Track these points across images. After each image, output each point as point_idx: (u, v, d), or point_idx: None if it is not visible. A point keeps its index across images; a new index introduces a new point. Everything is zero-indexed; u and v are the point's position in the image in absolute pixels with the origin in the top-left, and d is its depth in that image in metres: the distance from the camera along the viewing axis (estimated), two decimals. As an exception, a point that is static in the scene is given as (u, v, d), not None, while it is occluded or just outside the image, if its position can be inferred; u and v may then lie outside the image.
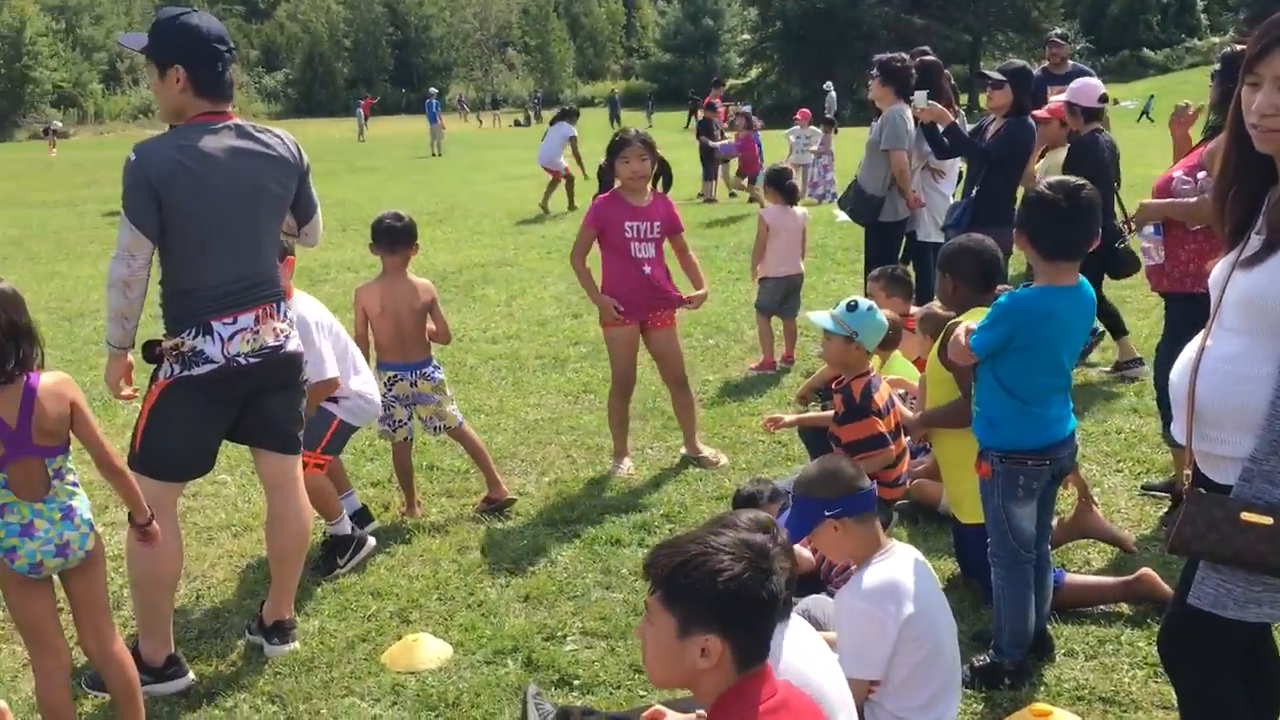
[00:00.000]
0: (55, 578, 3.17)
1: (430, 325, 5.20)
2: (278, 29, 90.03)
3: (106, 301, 3.60)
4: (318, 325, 4.46)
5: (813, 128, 18.97)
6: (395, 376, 5.13)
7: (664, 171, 5.69)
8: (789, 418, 5.21)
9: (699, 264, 5.93)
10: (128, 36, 3.77)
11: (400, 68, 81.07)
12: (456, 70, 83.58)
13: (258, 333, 3.68)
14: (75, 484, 3.14)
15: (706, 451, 5.80)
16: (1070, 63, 9.55)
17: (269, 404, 3.82)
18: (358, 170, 27.45)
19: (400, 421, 5.19)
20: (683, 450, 5.89)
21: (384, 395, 5.12)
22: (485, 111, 62.31)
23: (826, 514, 3.11)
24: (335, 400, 4.64)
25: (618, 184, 5.61)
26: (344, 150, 37.28)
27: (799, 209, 7.82)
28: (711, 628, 2.06)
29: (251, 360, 3.67)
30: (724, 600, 2.05)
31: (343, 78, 78.52)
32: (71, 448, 3.13)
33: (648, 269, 5.59)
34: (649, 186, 5.66)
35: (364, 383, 4.80)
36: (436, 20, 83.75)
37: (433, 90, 43.68)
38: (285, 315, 3.83)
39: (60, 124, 47.62)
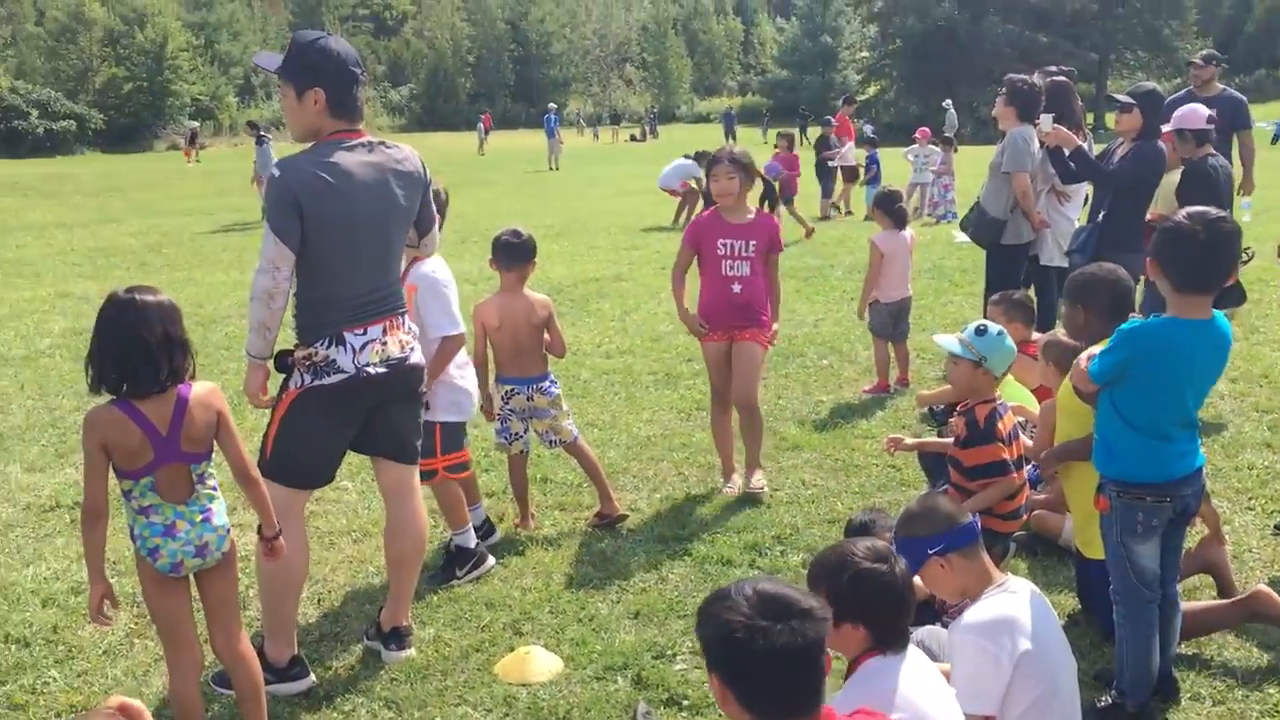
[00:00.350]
0: (190, 577, 3.30)
1: (546, 338, 5.28)
2: (404, 45, 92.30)
3: (250, 312, 3.73)
4: (446, 284, 4.58)
5: (932, 146, 18.71)
6: (512, 390, 5.22)
7: (767, 192, 5.67)
8: (909, 440, 5.13)
9: (779, 292, 5.79)
10: (263, 57, 3.91)
11: (520, 83, 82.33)
12: (575, 86, 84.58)
13: (385, 344, 3.80)
14: (215, 488, 3.28)
15: (757, 480, 5.67)
16: (1220, 85, 9.06)
17: (390, 414, 3.92)
18: (476, 183, 27.96)
19: (517, 435, 5.28)
20: (803, 474, 5.86)
21: (501, 409, 5.22)
22: (602, 126, 62.88)
23: (930, 551, 3.09)
24: (426, 405, 4.69)
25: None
26: (464, 163, 38.03)
27: (907, 232, 7.72)
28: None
29: (379, 371, 3.77)
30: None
31: (465, 92, 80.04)
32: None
33: (737, 287, 5.58)
34: (754, 204, 5.66)
35: (460, 375, 4.80)
36: (557, 37, 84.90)
37: (551, 105, 44.28)
38: (409, 327, 3.94)
39: (199, 130, 49.56)
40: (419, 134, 68.88)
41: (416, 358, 3.95)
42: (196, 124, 32.64)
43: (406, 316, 3.96)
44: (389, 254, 3.86)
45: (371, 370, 3.75)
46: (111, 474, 3.15)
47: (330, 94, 3.74)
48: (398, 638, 4.09)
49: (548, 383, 5.26)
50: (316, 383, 3.72)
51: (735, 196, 5.56)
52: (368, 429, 3.93)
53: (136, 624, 4.30)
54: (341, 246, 3.70)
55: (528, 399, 5.22)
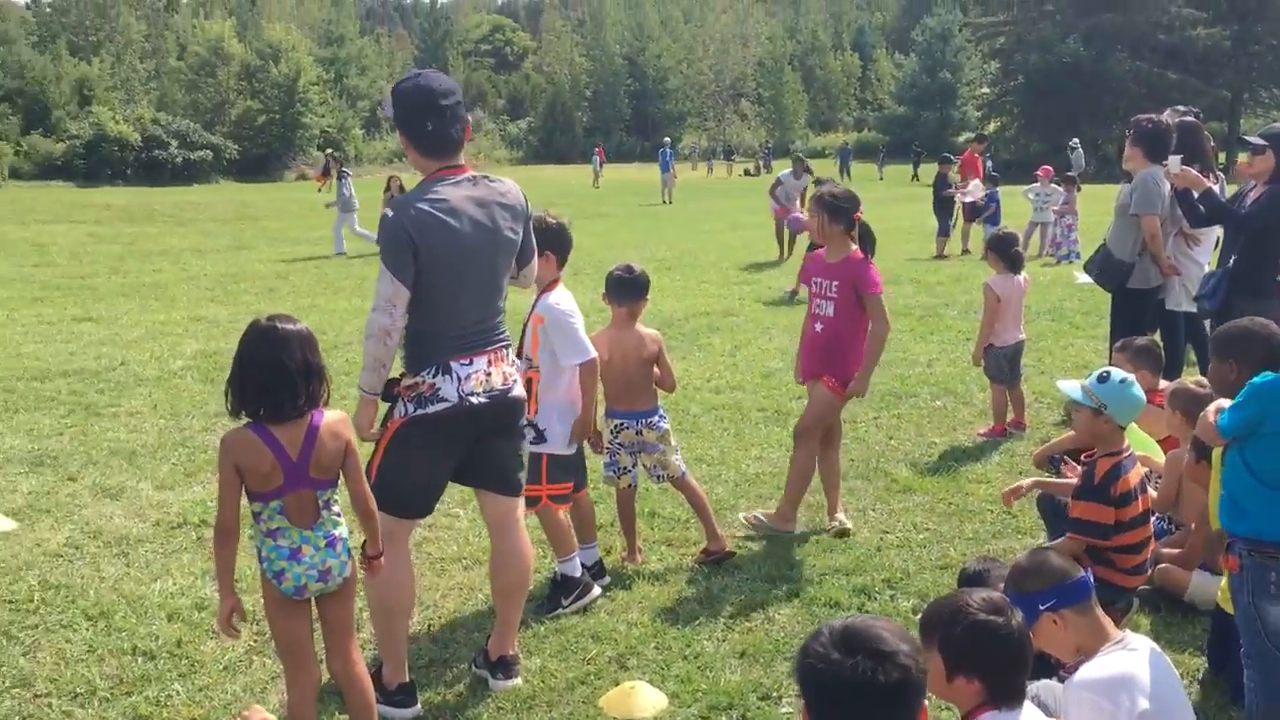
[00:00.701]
0: (311, 599, 3.39)
1: (656, 373, 5.30)
2: (524, 79, 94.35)
3: (365, 349, 3.81)
4: (571, 313, 4.64)
5: (1054, 185, 18.30)
6: (621, 424, 5.25)
7: (864, 234, 5.58)
8: (1026, 482, 4.99)
9: (877, 345, 5.52)
10: (386, 102, 4.05)
11: (636, 117, 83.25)
12: (690, 120, 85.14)
13: (489, 375, 3.87)
14: (339, 515, 3.37)
15: (841, 519, 5.66)
16: None
17: (492, 446, 3.99)
18: (590, 216, 28.29)
19: (625, 468, 5.31)
20: (914, 518, 5.78)
21: (610, 442, 5.26)
22: (717, 160, 63.14)
23: (1042, 607, 3.02)
24: (544, 438, 4.77)
25: None
26: (579, 196, 38.54)
27: (1021, 275, 7.56)
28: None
29: (481, 401, 3.84)
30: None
31: (581, 126, 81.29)
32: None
33: (819, 326, 5.57)
34: (847, 244, 5.56)
35: (574, 408, 4.82)
36: (674, 72, 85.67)
37: (666, 139, 44.71)
38: (513, 360, 4.01)
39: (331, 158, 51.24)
40: (535, 166, 70.11)
41: (518, 391, 4.01)
42: (330, 151, 34.07)
43: (511, 350, 4.03)
44: (495, 286, 3.95)
45: (474, 400, 3.82)
46: (243, 495, 3.26)
47: (423, 134, 3.86)
48: (504, 667, 4.13)
49: (657, 417, 5.28)
50: (420, 411, 3.80)
51: (821, 234, 5.60)
52: (470, 461, 4.00)
53: (256, 641, 4.43)
54: (451, 280, 3.79)
55: (637, 433, 5.25)
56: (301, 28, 77.10)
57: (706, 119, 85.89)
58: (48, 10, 77.89)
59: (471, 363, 3.84)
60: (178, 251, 20.87)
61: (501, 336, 3.97)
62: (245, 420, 3.25)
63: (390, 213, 3.80)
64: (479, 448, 3.97)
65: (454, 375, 3.80)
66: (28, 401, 8.56)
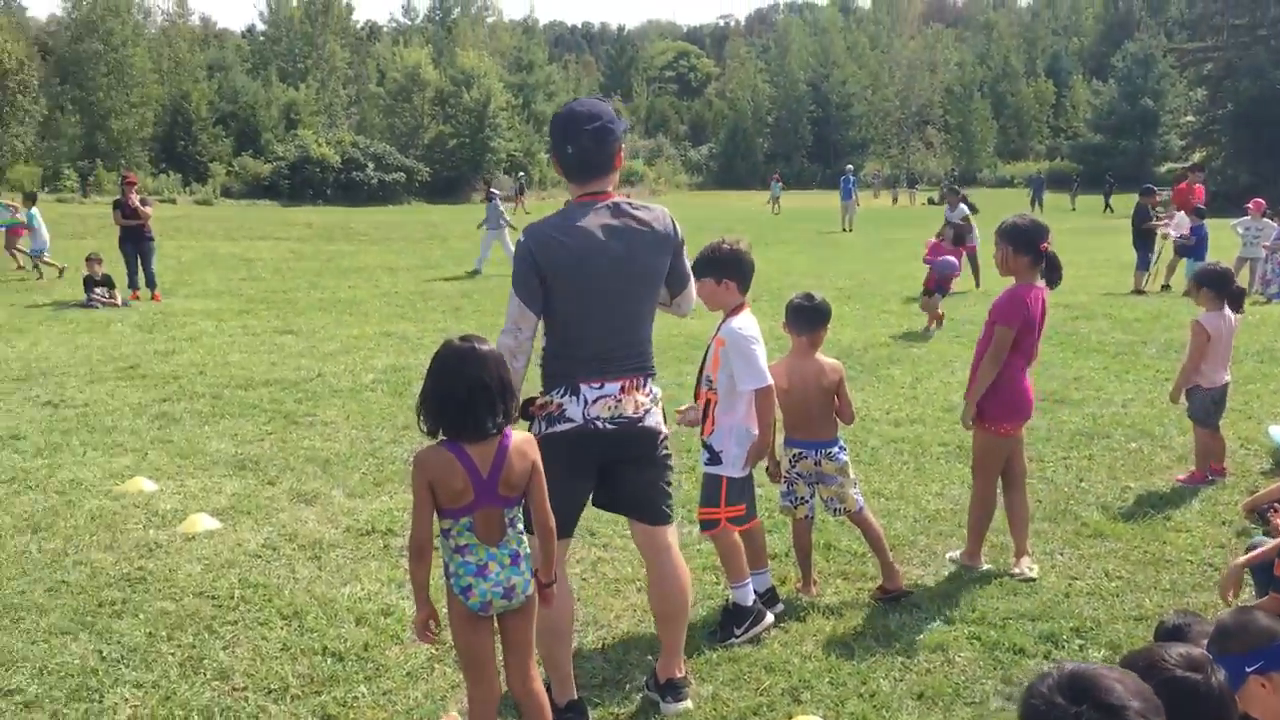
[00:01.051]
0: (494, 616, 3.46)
1: (836, 403, 5.23)
2: (706, 105, 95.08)
3: None
4: (753, 339, 4.61)
5: (1266, 220, 17.27)
6: (800, 454, 5.19)
7: (1050, 264, 5.35)
8: (1241, 560, 4.60)
9: (981, 373, 5.32)
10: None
11: (817, 143, 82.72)
12: (873, 147, 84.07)
13: (620, 401, 3.89)
14: (523, 533, 3.44)
15: (1024, 567, 5.41)
16: None
17: (629, 476, 4.01)
18: (769, 243, 28.22)
19: (802, 499, 5.24)
20: (1106, 564, 5.52)
21: (787, 471, 5.21)
22: (900, 189, 62.09)
23: (1248, 670, 2.82)
24: (719, 459, 4.76)
25: None
26: (758, 222, 38.50)
27: (1232, 313, 7.12)
28: None
29: (608, 426, 3.87)
30: None
31: (762, 152, 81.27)
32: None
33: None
34: (1034, 277, 5.37)
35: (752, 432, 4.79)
36: (858, 99, 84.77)
37: (849, 166, 44.16)
38: (650, 390, 4.00)
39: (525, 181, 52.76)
40: (716, 191, 70.48)
41: (651, 421, 3.99)
42: (523, 175, 35.84)
43: (651, 380, 4.03)
44: (631, 314, 3.95)
45: (599, 424, 3.85)
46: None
47: (565, 157, 3.93)
48: (674, 690, 4.13)
49: (837, 448, 5.20)
50: (549, 430, 3.86)
51: (1005, 267, 5.40)
52: (607, 487, 4.03)
53: (437, 650, 4.55)
54: (579, 305, 3.84)
55: (815, 464, 5.19)
56: (493, 55, 79.71)
57: (890, 146, 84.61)
58: (261, 39, 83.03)
59: (602, 387, 3.87)
60: (371, 269, 21.82)
61: (638, 365, 3.97)
62: (438, 438, 3.32)
63: (523, 238, 3.90)
64: (614, 475, 3.99)
65: (581, 397, 3.85)
66: (233, 408, 9.07)
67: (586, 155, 3.91)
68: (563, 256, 3.81)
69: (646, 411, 3.97)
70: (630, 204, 3.99)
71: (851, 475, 5.27)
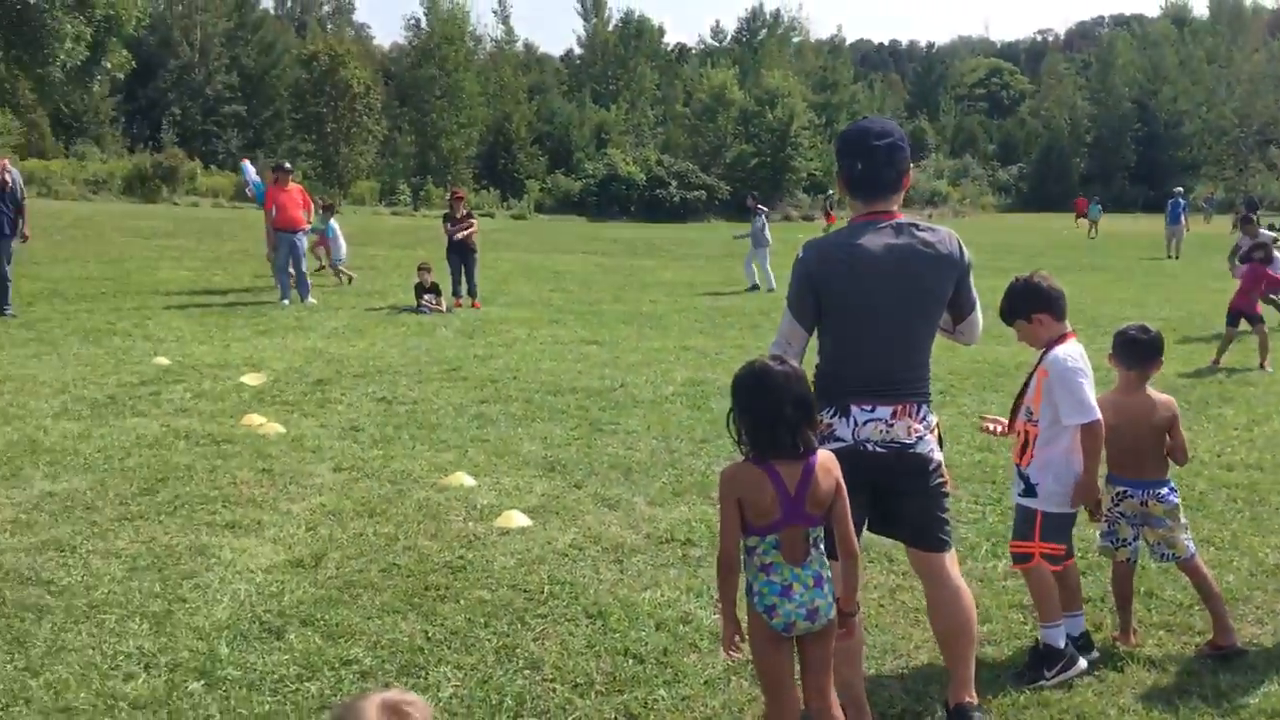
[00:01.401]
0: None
1: (1168, 442, 4.89)
2: (1018, 124, 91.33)
3: None
4: (1079, 371, 4.42)
5: None
6: (1125, 492, 4.89)
7: None
8: None
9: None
10: None
11: (1141, 164, 77.70)
12: (1205, 169, 78.02)
13: (891, 426, 3.80)
14: (825, 554, 3.42)
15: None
16: None
17: (901, 502, 3.91)
18: (1083, 269, 26.75)
19: (1125, 541, 4.93)
20: None
21: (1109, 510, 4.91)
22: (1238, 212, 57.22)
23: None
24: (1034, 493, 4.54)
25: None
26: (1072, 246, 36.56)
27: None
28: None
29: (878, 450, 3.79)
30: None
31: (1078, 173, 77.20)
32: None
33: None
34: None
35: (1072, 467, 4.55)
36: (1190, 117, 79.02)
37: (1178, 189, 41.13)
38: (924, 417, 3.88)
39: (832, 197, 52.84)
40: (1025, 214, 67.52)
41: (923, 448, 3.88)
42: (831, 193, 36.39)
43: (926, 407, 3.90)
44: (908, 338, 3.85)
45: (869, 447, 3.78)
46: None
47: (852, 174, 3.88)
48: (961, 715, 3.99)
49: (1166, 490, 4.86)
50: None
51: None
52: (883, 515, 3.95)
53: (733, 662, 4.60)
54: (853, 326, 3.79)
55: (1141, 504, 4.87)
56: (798, 74, 79.97)
57: (1225, 167, 78.20)
58: (577, 62, 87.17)
59: (873, 410, 3.79)
60: (672, 284, 22.37)
61: (913, 390, 3.87)
62: (745, 455, 3.35)
63: (802, 253, 3.88)
64: (889, 502, 3.91)
65: (851, 418, 3.80)
66: (544, 413, 9.54)
67: (877, 171, 3.88)
68: (839, 274, 3.79)
69: (920, 438, 3.88)
70: (915, 224, 3.92)
71: (1182, 519, 4.91)
